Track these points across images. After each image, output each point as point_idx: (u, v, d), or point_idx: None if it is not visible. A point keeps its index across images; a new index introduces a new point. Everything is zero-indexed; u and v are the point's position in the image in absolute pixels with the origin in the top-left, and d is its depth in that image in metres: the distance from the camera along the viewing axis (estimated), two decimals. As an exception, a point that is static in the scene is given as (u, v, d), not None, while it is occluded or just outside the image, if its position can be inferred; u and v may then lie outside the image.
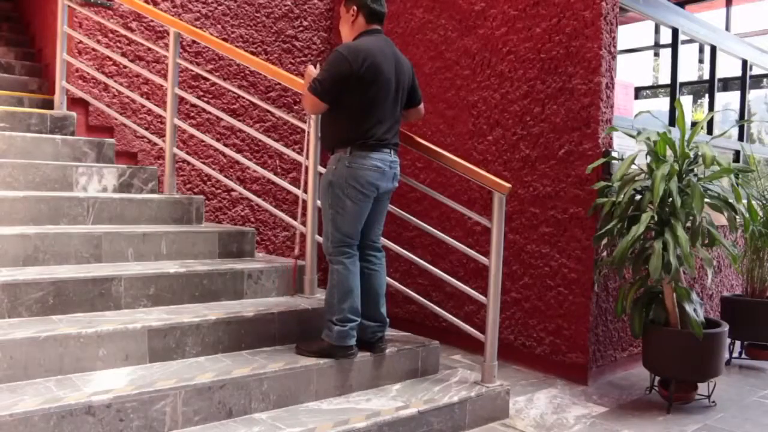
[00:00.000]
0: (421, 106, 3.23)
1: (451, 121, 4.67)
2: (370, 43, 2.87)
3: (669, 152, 3.62)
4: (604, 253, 3.91)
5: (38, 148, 3.81)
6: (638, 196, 3.62)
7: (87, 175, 3.73)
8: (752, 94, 6.17)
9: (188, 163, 4.68)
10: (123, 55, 4.46)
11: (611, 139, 3.95)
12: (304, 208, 3.40)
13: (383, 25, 3.03)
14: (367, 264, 3.07)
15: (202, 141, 4.66)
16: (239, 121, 4.70)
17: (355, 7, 2.93)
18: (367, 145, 2.86)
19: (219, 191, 4.95)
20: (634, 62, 7.79)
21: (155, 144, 4.55)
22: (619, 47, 4.45)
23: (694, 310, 3.49)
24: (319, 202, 3.16)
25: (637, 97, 6.95)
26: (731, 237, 4.80)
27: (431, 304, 3.47)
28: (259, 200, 4.01)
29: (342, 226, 2.92)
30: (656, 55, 7.65)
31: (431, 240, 4.62)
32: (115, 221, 3.51)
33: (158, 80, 4.12)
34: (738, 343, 4.64)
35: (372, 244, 3.10)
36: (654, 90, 7.79)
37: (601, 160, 3.82)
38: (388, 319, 3.14)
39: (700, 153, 3.51)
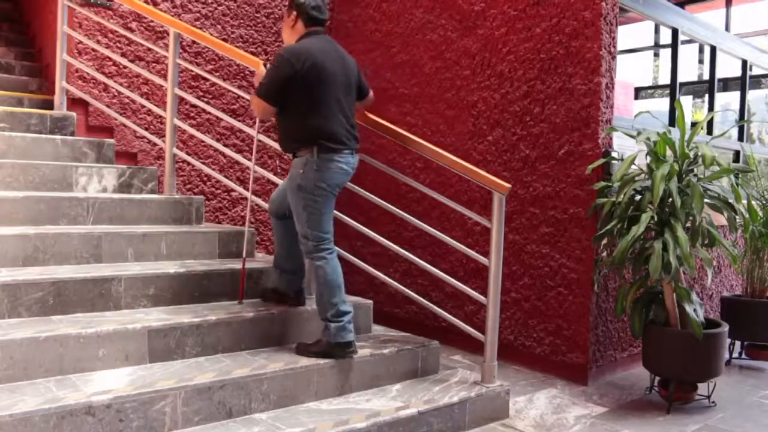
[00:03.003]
0: (371, 93, 3.31)
1: (451, 121, 4.67)
2: (311, 43, 2.94)
3: (669, 152, 3.62)
4: (604, 253, 3.91)
5: (38, 149, 3.81)
6: (638, 197, 3.62)
7: (87, 176, 3.73)
8: (752, 94, 6.17)
9: (188, 164, 4.68)
10: (123, 55, 4.46)
11: (611, 139, 3.95)
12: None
13: (324, 27, 3.10)
14: None
15: (202, 141, 4.66)
16: (239, 121, 4.70)
17: (295, 13, 3.02)
18: (331, 147, 2.90)
19: (219, 191, 4.95)
20: (634, 62, 7.79)
21: (155, 144, 4.55)
22: (619, 47, 4.45)
23: (694, 310, 3.49)
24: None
25: (637, 97, 6.95)
26: (731, 237, 4.80)
27: (431, 304, 3.47)
28: (259, 200, 4.02)
29: (319, 225, 2.96)
30: (656, 55, 7.65)
31: (431, 240, 4.62)
32: (115, 221, 3.51)
33: (158, 80, 4.12)
34: (738, 343, 4.64)
35: None
36: (654, 90, 7.79)
37: (601, 161, 3.82)
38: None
39: (700, 153, 3.51)
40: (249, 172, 5.05)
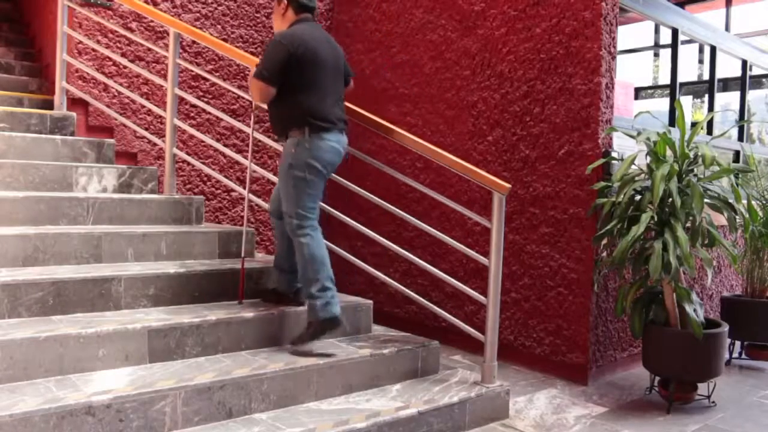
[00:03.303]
0: (351, 82, 3.38)
1: (451, 121, 4.67)
2: (303, 29, 3.05)
3: (669, 152, 3.62)
4: (604, 254, 3.91)
5: (38, 149, 3.81)
6: (638, 197, 3.62)
7: (87, 176, 3.73)
8: (752, 94, 6.17)
9: (188, 164, 4.68)
10: (123, 55, 4.46)
11: (611, 139, 3.95)
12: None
13: (314, 15, 3.16)
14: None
15: (202, 141, 4.66)
16: (239, 121, 4.70)
17: (285, 2, 3.11)
18: (322, 127, 2.97)
19: (219, 191, 4.95)
20: (634, 62, 7.80)
21: (155, 144, 4.55)
22: (619, 47, 4.45)
23: (694, 310, 3.49)
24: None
25: (637, 97, 6.95)
26: (731, 237, 4.80)
27: (431, 305, 3.47)
28: (259, 200, 4.02)
29: (307, 203, 3.00)
30: (656, 55, 7.65)
31: (431, 240, 4.62)
32: (115, 221, 3.51)
33: (158, 80, 4.12)
34: (738, 343, 4.64)
35: None
36: (654, 90, 7.79)
37: (601, 161, 3.82)
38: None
39: (699, 153, 3.51)
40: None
